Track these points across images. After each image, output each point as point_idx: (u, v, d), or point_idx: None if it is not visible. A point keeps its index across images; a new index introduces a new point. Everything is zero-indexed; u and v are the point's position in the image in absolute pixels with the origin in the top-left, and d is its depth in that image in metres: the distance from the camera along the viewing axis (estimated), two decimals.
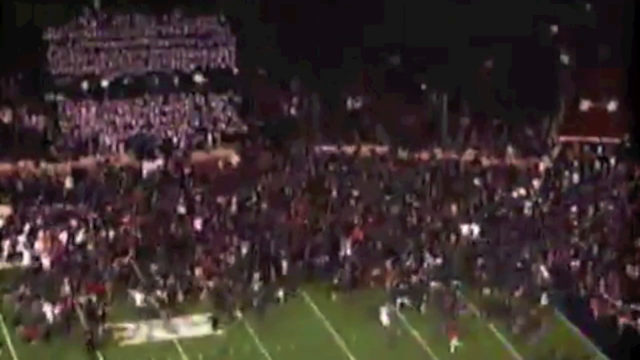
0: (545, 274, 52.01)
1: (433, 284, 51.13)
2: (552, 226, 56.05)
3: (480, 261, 52.92)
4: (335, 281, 51.87)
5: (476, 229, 55.20)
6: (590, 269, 52.21)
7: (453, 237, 55.10)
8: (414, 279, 51.73)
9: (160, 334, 48.70)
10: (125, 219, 55.60)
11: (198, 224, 55.46)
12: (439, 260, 52.93)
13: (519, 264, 52.58)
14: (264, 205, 57.27)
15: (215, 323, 48.69)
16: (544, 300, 50.59)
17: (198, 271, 52.22)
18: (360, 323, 48.81)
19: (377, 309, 48.94)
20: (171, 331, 48.97)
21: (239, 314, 49.51)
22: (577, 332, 48.98)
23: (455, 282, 51.20)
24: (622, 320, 48.61)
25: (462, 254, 53.70)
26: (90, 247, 53.78)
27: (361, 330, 48.32)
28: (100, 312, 49.12)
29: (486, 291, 51.20)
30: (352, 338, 48.01)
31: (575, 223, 56.23)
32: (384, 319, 48.55)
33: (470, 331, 48.04)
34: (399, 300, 49.69)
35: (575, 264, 52.61)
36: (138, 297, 49.76)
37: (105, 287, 50.91)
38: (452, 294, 50.65)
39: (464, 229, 55.40)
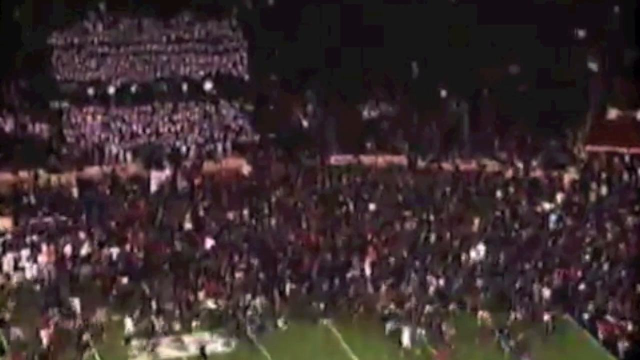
0: (547, 294, 49.41)
1: (428, 307, 48.19)
2: (566, 244, 53.37)
3: (480, 282, 50.07)
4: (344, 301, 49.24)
5: (482, 249, 52.37)
6: (599, 288, 49.63)
7: (463, 257, 52.27)
8: (410, 303, 48.69)
9: (167, 351, 46.34)
10: (129, 235, 52.80)
11: (209, 243, 52.54)
12: (440, 282, 49.97)
13: (518, 285, 49.90)
14: (273, 222, 54.55)
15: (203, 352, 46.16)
16: (545, 321, 47.93)
17: (202, 294, 49.17)
18: (376, 344, 46.36)
19: (399, 329, 46.51)
20: (179, 349, 46.51)
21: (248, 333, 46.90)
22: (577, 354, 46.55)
23: (452, 307, 48.49)
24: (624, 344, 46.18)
25: (465, 274, 50.97)
26: (86, 269, 50.94)
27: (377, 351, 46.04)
28: (86, 339, 45.87)
29: (483, 314, 48.16)
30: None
31: (589, 240, 53.78)
32: (405, 340, 46.07)
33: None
34: (388, 326, 46.95)
35: (582, 286, 49.88)
36: (129, 324, 46.66)
37: (97, 315, 47.72)
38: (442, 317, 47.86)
39: (473, 249, 52.68)
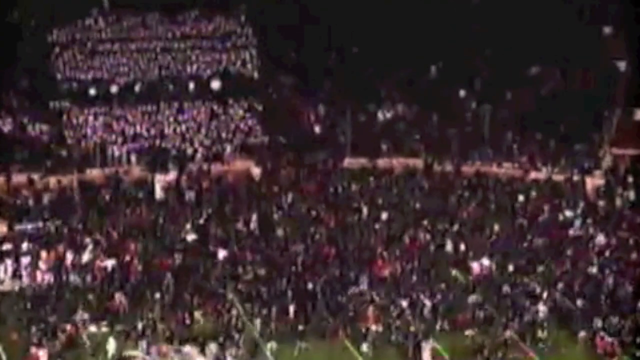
0: (542, 310, 46.57)
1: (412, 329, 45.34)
2: (575, 253, 50.91)
3: (474, 298, 47.20)
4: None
5: (486, 263, 49.79)
6: (601, 303, 46.92)
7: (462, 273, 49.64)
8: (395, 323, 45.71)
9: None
10: (129, 245, 50.22)
11: (221, 254, 49.45)
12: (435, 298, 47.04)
13: (513, 300, 47.10)
14: (281, 232, 51.82)
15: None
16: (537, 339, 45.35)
17: (198, 314, 45.99)
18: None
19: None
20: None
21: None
22: None
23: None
24: None
25: (461, 290, 48.26)
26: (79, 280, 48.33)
27: None
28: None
29: (470, 332, 45.38)
30: None
31: (597, 250, 51.36)
32: (425, 356, 43.54)
33: None
34: (364, 346, 44.02)
35: (580, 302, 47.18)
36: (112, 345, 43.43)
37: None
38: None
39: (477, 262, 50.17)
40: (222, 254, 49.07)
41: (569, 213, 55.09)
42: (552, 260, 49.85)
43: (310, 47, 62.65)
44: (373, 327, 44.64)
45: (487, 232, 52.84)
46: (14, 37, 59.27)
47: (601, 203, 56.46)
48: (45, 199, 55.33)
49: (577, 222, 54.08)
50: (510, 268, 49.20)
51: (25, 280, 47.90)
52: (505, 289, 47.54)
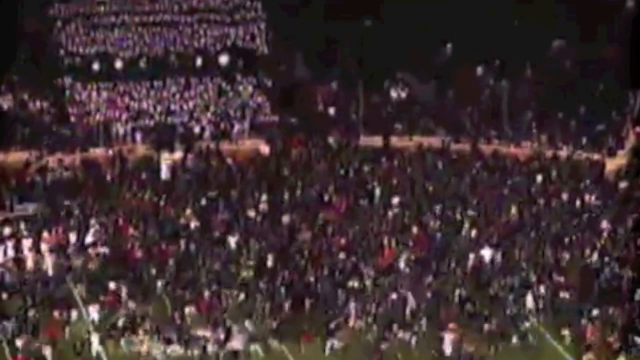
0: (530, 301, 44.85)
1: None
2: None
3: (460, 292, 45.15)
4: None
5: (487, 254, 47.73)
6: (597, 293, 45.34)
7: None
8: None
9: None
10: (129, 230, 48.60)
11: (233, 241, 47.84)
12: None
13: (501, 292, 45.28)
14: (287, 219, 49.87)
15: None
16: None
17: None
18: None
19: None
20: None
21: None
22: None
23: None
24: None
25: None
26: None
27: None
28: None
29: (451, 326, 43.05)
30: None
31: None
32: (447, 347, 42.03)
33: None
34: (328, 343, 42.03)
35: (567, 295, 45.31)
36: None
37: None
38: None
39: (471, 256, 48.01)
40: (232, 240, 47.48)
41: (587, 197, 53.29)
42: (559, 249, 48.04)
43: (323, 21, 61.61)
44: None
45: (502, 218, 50.91)
46: (14, 11, 58.29)
47: (622, 185, 54.57)
48: (47, 179, 54.08)
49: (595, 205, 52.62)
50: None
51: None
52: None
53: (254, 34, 63.58)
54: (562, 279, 46.12)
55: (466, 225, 49.94)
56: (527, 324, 43.70)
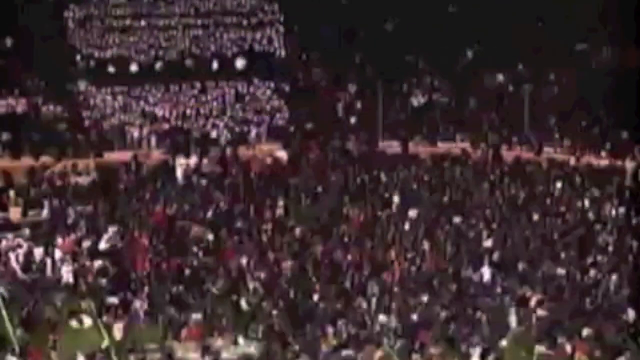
0: (513, 320, 41.70)
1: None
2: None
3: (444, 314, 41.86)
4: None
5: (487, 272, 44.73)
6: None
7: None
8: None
9: None
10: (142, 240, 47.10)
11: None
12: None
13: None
14: (298, 230, 47.80)
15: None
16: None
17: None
18: None
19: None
20: None
21: None
22: None
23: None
24: None
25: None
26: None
27: None
28: None
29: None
30: None
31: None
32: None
33: None
34: None
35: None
36: None
37: None
38: None
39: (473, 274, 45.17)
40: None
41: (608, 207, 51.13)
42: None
43: (342, 24, 61.73)
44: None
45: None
46: (27, 13, 58.33)
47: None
48: (61, 184, 53.21)
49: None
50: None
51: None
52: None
53: (271, 37, 63.32)
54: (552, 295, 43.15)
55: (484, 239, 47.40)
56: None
